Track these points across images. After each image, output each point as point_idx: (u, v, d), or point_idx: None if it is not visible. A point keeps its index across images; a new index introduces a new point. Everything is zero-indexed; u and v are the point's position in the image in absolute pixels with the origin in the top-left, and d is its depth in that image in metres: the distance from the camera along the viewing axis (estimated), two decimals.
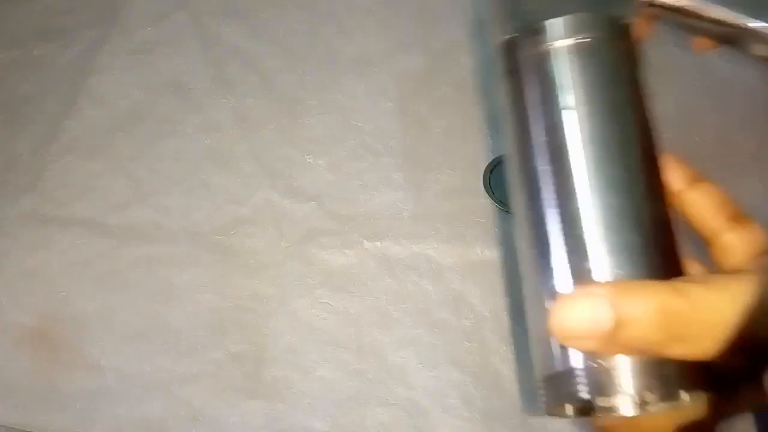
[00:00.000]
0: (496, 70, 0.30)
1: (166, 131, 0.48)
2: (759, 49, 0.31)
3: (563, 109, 0.27)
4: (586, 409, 0.25)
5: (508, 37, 0.28)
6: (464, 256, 0.43)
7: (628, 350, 0.23)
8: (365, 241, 0.44)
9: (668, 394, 0.23)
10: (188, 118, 0.48)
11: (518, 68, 0.28)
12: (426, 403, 0.39)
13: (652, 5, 0.31)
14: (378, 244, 0.44)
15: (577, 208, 0.25)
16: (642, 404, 0.23)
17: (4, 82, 0.50)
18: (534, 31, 0.28)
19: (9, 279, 0.43)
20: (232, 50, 0.51)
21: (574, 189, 0.25)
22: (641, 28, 0.32)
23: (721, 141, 0.48)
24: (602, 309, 0.22)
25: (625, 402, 0.23)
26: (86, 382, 0.40)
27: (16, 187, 0.46)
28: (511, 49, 0.28)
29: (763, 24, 0.29)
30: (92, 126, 0.48)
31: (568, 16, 0.27)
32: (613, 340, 0.23)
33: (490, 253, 0.43)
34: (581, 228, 0.25)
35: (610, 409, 0.23)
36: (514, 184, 0.27)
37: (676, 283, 0.23)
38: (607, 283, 0.24)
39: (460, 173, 0.45)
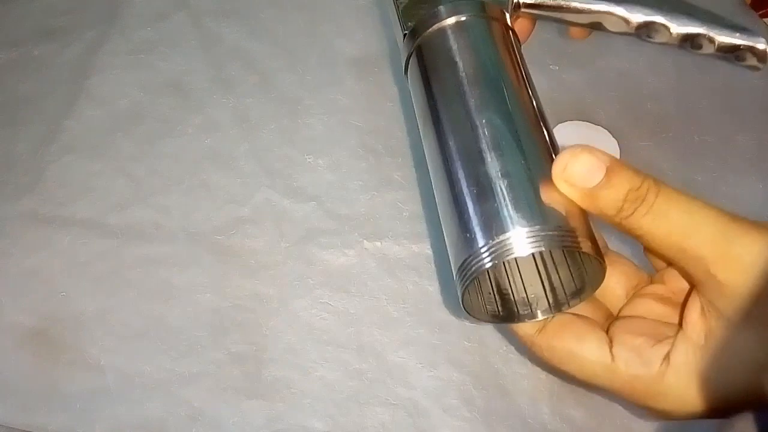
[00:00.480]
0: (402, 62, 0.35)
1: (166, 131, 0.48)
2: (614, 26, 0.36)
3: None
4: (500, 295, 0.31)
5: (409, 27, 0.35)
6: None
7: (598, 210, 0.28)
8: (365, 241, 0.44)
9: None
10: (188, 118, 0.48)
11: (419, 48, 0.34)
12: (426, 403, 0.39)
13: (520, 6, 0.36)
14: (378, 244, 0.44)
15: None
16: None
17: (4, 82, 0.50)
18: (427, 19, 0.34)
19: (9, 279, 0.43)
20: (232, 50, 0.51)
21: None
22: (522, 27, 0.38)
23: (721, 141, 0.48)
24: (598, 169, 0.28)
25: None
26: (86, 382, 0.40)
27: (16, 187, 0.46)
28: (412, 38, 0.34)
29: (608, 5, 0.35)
30: (92, 126, 0.48)
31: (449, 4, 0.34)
32: (593, 197, 0.28)
33: None
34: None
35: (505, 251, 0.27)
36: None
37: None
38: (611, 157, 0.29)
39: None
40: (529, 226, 0.27)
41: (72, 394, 0.39)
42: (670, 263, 0.31)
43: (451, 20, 0.33)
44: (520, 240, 0.27)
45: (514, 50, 0.34)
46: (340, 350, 0.41)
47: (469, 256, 0.28)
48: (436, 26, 0.33)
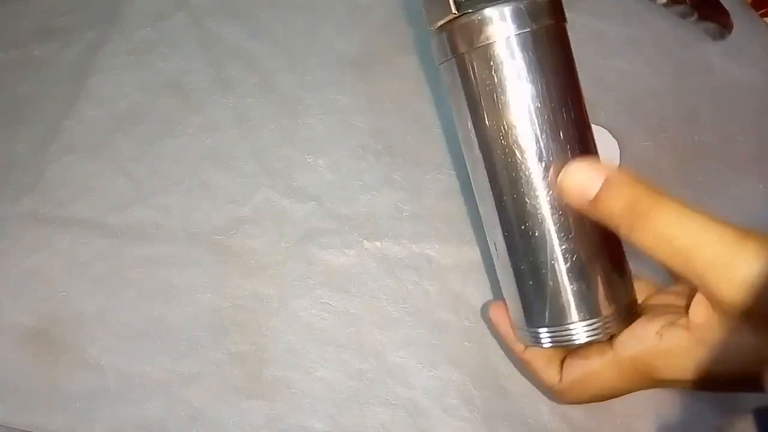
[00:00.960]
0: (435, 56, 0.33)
1: (166, 131, 0.48)
2: None
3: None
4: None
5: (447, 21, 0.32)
6: (464, 256, 0.43)
7: (601, 219, 0.30)
8: (365, 241, 0.44)
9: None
10: (188, 118, 0.48)
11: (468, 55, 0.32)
12: (426, 403, 0.39)
13: None
14: (378, 244, 0.44)
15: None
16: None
17: (4, 82, 0.50)
18: (477, 21, 0.31)
19: (9, 279, 0.43)
20: (232, 50, 0.51)
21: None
22: None
23: (721, 141, 0.48)
24: (595, 180, 0.29)
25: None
26: (86, 382, 0.40)
27: (16, 187, 0.46)
28: (454, 36, 0.32)
29: None
30: (92, 126, 0.48)
31: (509, 6, 0.31)
32: (595, 206, 0.29)
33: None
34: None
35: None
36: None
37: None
38: (607, 165, 0.30)
39: (460, 173, 0.46)
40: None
41: (72, 394, 0.39)
42: (675, 274, 0.32)
43: (523, 29, 0.31)
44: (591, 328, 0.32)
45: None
46: (340, 350, 0.41)
47: (564, 326, 0.32)
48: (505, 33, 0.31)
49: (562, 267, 0.31)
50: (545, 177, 0.31)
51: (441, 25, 0.32)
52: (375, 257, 0.43)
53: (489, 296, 0.42)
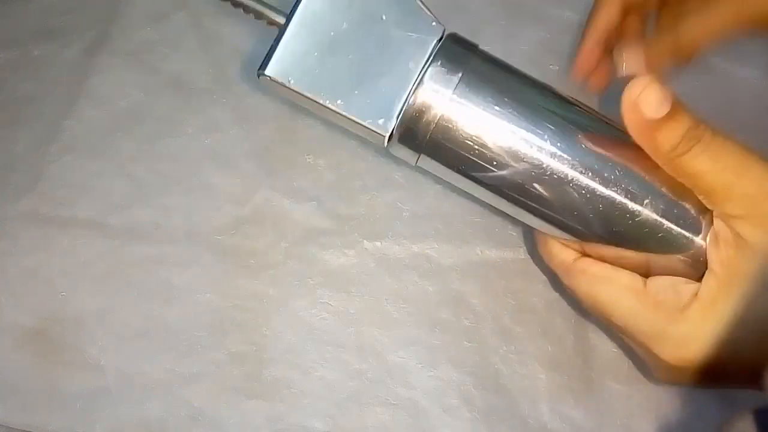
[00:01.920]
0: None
1: (166, 131, 0.48)
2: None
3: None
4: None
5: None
6: (464, 256, 0.43)
7: (653, 144, 0.30)
8: (365, 241, 0.44)
9: None
10: (188, 118, 0.48)
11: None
12: (426, 403, 0.39)
13: None
14: (378, 244, 0.44)
15: None
16: None
17: (4, 82, 0.50)
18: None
19: (9, 279, 0.43)
20: (232, 50, 0.51)
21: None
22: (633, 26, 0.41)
23: None
24: (666, 101, 0.29)
25: None
26: (86, 382, 0.40)
27: (16, 187, 0.46)
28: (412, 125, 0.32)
29: None
30: (92, 126, 0.48)
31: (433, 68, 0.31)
32: (654, 129, 0.29)
33: (490, 253, 0.43)
34: None
35: None
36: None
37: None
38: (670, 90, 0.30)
39: None
40: None
41: (72, 394, 0.39)
42: (714, 206, 0.32)
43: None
44: None
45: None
46: (340, 350, 0.41)
47: None
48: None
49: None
50: (573, 167, 0.32)
51: (390, 143, 0.33)
52: (375, 257, 0.43)
53: (489, 296, 0.42)
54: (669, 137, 0.30)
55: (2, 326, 0.41)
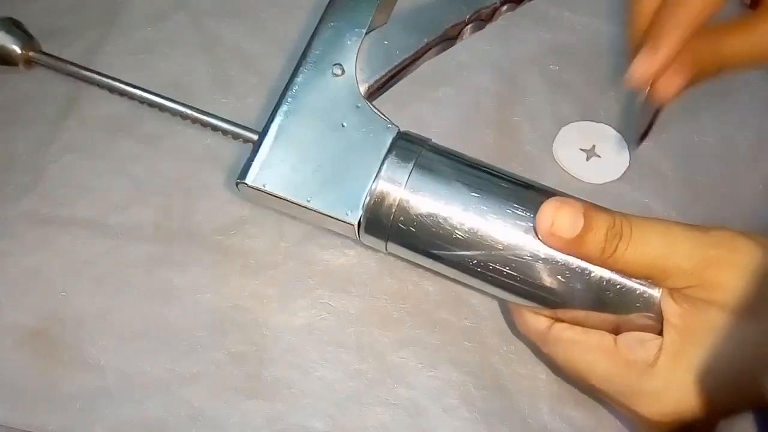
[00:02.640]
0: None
1: (166, 131, 0.48)
2: None
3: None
4: None
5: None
6: None
7: (583, 254, 0.31)
8: None
9: None
10: None
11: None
12: (426, 403, 0.39)
13: None
14: None
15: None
16: None
17: (4, 82, 0.50)
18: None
19: (9, 279, 0.43)
20: (232, 50, 0.51)
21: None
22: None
23: (721, 141, 0.48)
24: (579, 216, 0.30)
25: None
26: (86, 382, 0.40)
27: (16, 187, 0.46)
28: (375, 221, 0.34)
29: None
30: (92, 126, 0.48)
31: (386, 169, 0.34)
32: (578, 244, 0.31)
33: None
34: None
35: None
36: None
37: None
38: (583, 203, 0.31)
39: None
40: None
41: (72, 394, 0.39)
42: (658, 285, 0.32)
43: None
44: None
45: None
46: (340, 350, 0.41)
47: None
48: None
49: None
50: (528, 242, 0.33)
51: (360, 233, 0.35)
52: (375, 257, 0.43)
53: (489, 296, 0.42)
54: (593, 246, 0.30)
55: (2, 326, 0.41)
